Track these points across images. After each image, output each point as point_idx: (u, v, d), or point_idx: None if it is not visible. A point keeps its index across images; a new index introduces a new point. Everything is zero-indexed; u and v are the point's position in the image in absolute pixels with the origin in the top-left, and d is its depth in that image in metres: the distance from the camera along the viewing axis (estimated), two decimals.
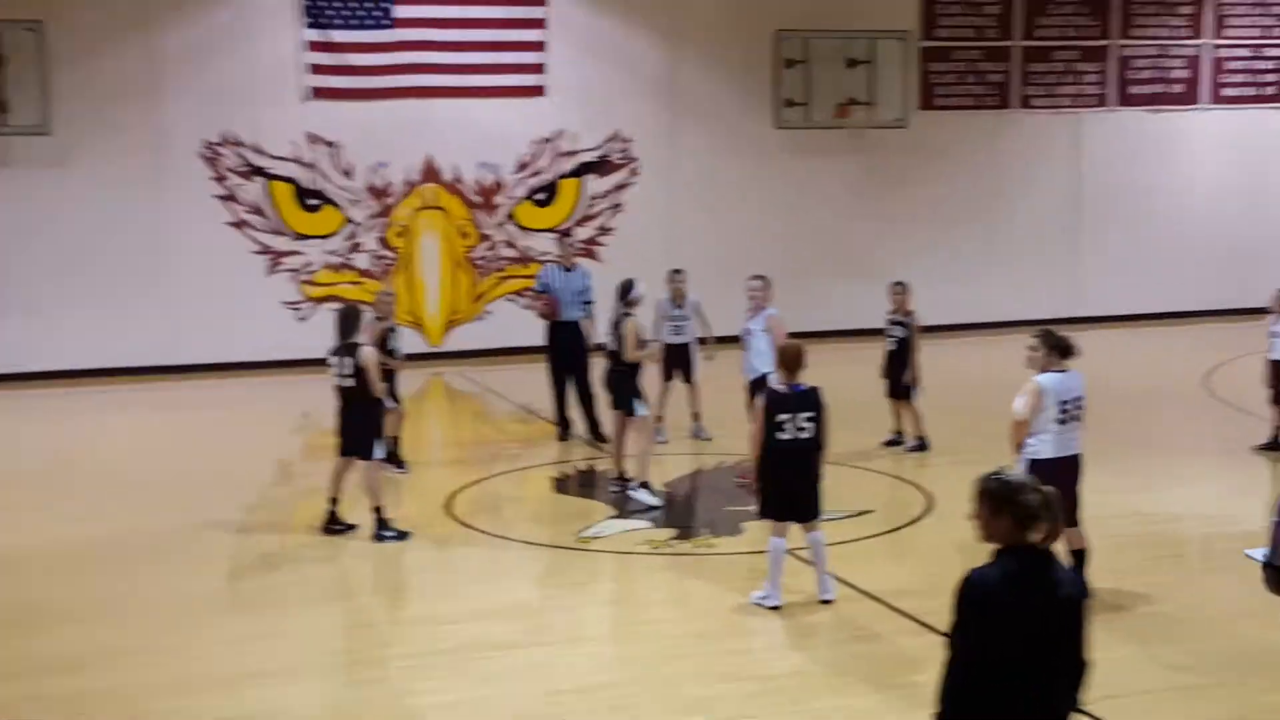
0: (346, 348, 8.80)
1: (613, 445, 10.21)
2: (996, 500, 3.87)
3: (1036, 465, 7.10)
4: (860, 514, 9.39)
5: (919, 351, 11.33)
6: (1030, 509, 3.87)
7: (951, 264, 19.14)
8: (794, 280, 17.30)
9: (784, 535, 7.38)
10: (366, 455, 8.83)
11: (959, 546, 8.50)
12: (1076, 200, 19.72)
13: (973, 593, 3.75)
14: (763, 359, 9.95)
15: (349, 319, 8.89)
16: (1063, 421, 7.15)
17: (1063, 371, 7.19)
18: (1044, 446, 7.11)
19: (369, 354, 8.74)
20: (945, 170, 19.06)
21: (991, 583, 3.78)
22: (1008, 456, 7.31)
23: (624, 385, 9.80)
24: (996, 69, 19.07)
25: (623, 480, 10.10)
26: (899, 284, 11.52)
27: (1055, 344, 7.19)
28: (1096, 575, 7.53)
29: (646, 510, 9.56)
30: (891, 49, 18.33)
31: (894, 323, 11.43)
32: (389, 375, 10.54)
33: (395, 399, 10.78)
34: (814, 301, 18.40)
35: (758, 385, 9.61)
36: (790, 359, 7.31)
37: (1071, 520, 7.30)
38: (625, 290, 9.90)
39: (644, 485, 9.77)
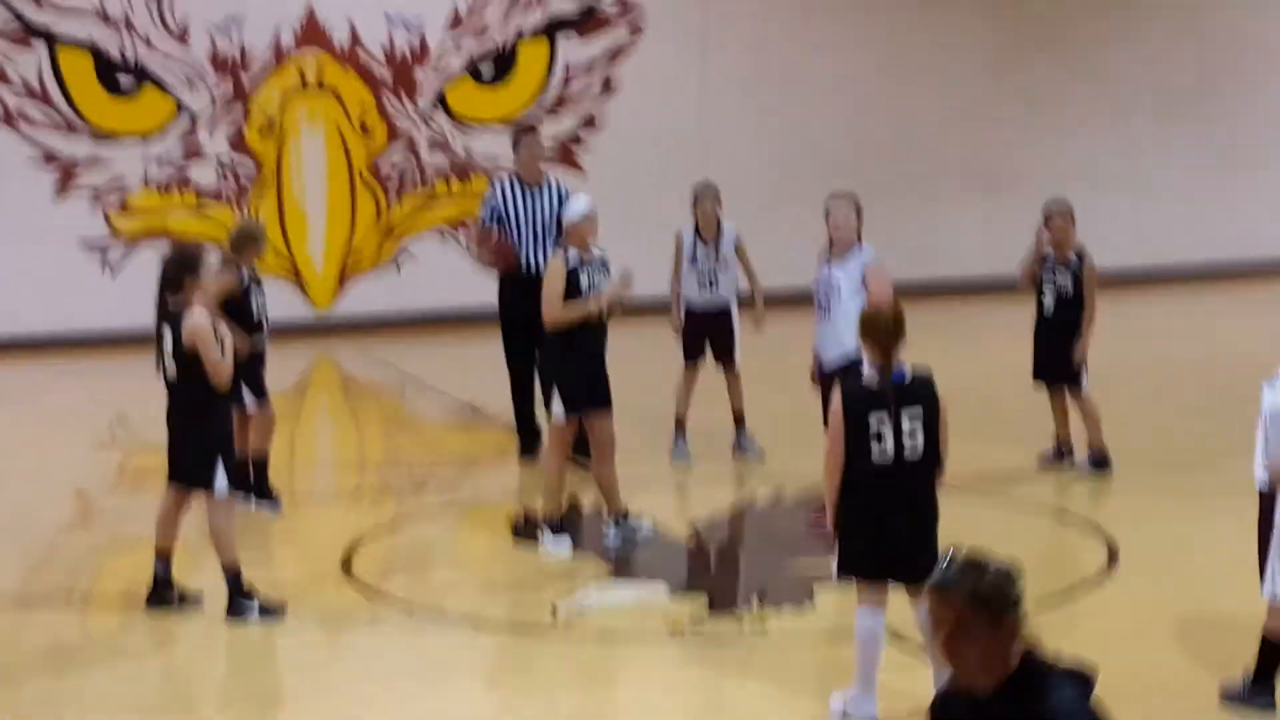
0: (172, 314, 8.82)
1: (594, 467, 10.26)
2: (1003, 605, 4.05)
3: None
4: None
5: (1094, 315, 11.35)
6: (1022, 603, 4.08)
7: (1144, 176, 19.14)
8: (894, 203, 17.34)
9: (881, 607, 7.43)
10: (208, 485, 8.88)
11: (1154, 622, 8.56)
12: None
13: None
14: (852, 330, 9.98)
15: (180, 268, 8.88)
16: None
17: None
18: None
19: (198, 322, 8.72)
20: (1136, 25, 19.04)
21: None
22: (1241, 481, 7.34)
23: (547, 369, 9.96)
24: None
25: (621, 518, 10.16)
26: (1061, 207, 11.53)
27: None
28: None
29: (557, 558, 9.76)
30: None
31: (1055, 267, 11.46)
32: (251, 360, 10.58)
33: (261, 393, 10.84)
34: (926, 237, 18.42)
35: (842, 373, 9.64)
36: (884, 328, 7.34)
37: None
38: (563, 213, 10.08)
39: (548, 522, 9.94)
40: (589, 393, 9.92)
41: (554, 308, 9.80)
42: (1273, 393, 7.21)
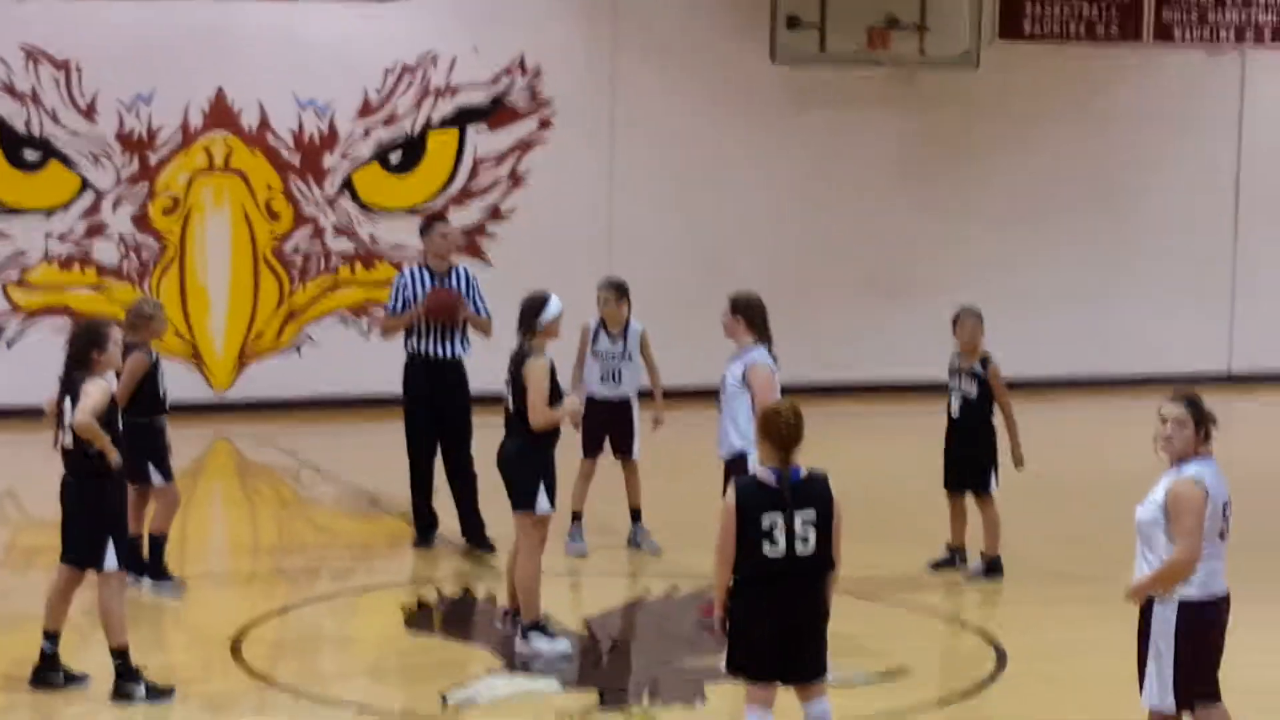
0: (70, 385, 8.80)
1: (509, 560, 10.26)
2: None
3: (1186, 613, 7.24)
4: (891, 674, 9.53)
5: (1012, 415, 11.41)
6: None
7: (1044, 283, 19.44)
8: (799, 303, 17.50)
9: (769, 705, 7.48)
10: (97, 563, 8.84)
11: None
12: (1232, 188, 20.16)
13: None
14: (733, 428, 10.07)
15: (84, 342, 8.88)
16: (1224, 536, 7.33)
17: (1209, 458, 7.37)
18: (1215, 578, 7.26)
19: (94, 393, 8.71)
20: (1036, 135, 19.40)
21: None
22: (1119, 595, 7.45)
23: (525, 464, 9.84)
24: None
25: (517, 614, 10.15)
26: (969, 312, 11.64)
27: (1205, 417, 7.36)
28: None
29: (551, 661, 9.63)
30: None
31: (961, 374, 11.58)
32: (156, 438, 10.58)
33: (166, 473, 10.79)
34: (830, 338, 18.60)
35: (736, 468, 9.72)
36: (780, 429, 7.40)
37: (1213, 691, 7.45)
38: (532, 310, 9.93)
39: (537, 626, 9.83)
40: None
41: (543, 409, 9.68)
42: (1141, 509, 7.36)
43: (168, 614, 10.64)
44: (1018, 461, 11.41)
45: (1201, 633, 7.27)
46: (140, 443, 10.13)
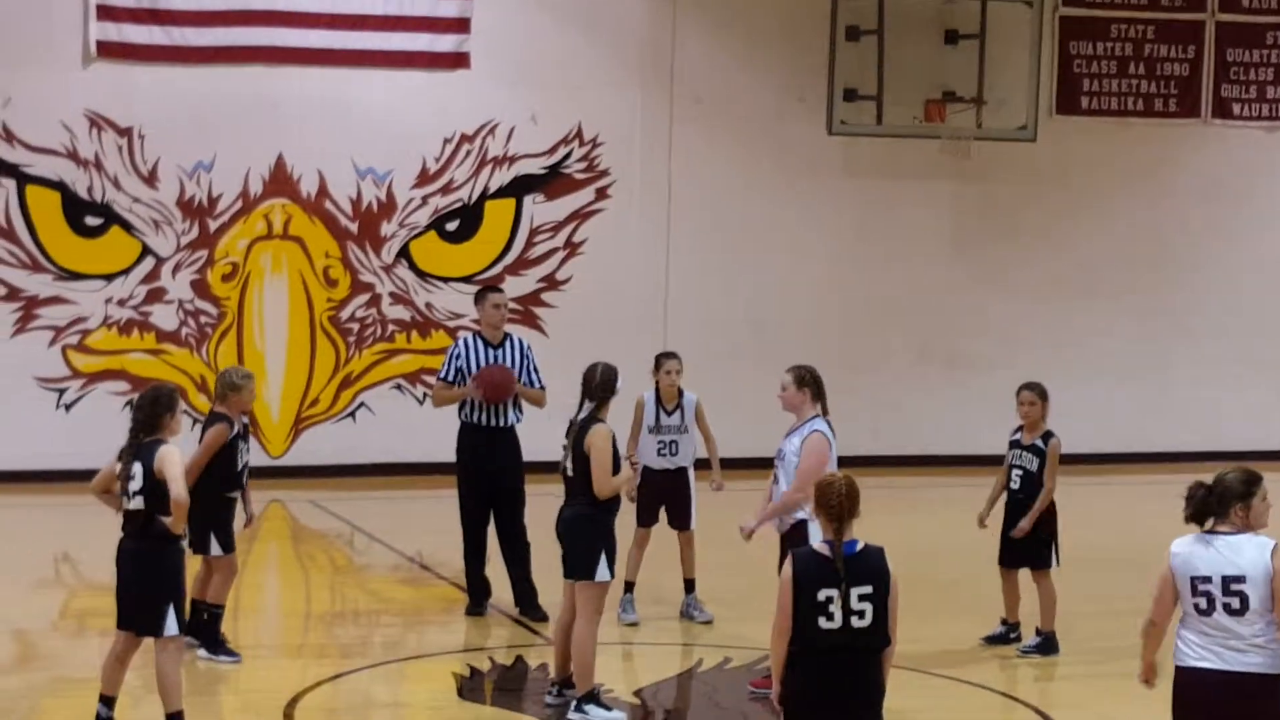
0: (139, 448, 8.81)
1: (556, 629, 10.30)
2: None
3: (1181, 677, 7.30)
4: None
5: (1049, 494, 11.40)
6: None
7: (1100, 357, 19.40)
8: (854, 374, 17.51)
9: None
10: (156, 629, 8.86)
11: None
12: None
13: None
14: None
15: (156, 407, 8.89)
16: (1204, 612, 7.32)
17: (1210, 534, 7.38)
18: (1185, 648, 7.36)
19: (168, 455, 8.73)
20: (1093, 209, 19.41)
21: None
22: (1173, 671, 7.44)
23: (585, 533, 9.88)
24: (1178, 54, 19.54)
25: (565, 686, 10.15)
26: (1031, 388, 11.62)
27: (1203, 492, 7.44)
28: None
29: None
30: (1013, 16, 18.79)
31: (1022, 449, 11.55)
32: (223, 509, 10.64)
33: (228, 544, 10.81)
34: (884, 409, 18.59)
35: (791, 540, 9.72)
36: (836, 500, 7.39)
37: None
38: (603, 382, 9.98)
39: (592, 696, 9.83)
40: None
41: (609, 477, 9.78)
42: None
43: (222, 680, 10.69)
44: (1019, 531, 11.35)
45: (1179, 697, 7.38)
46: (206, 512, 10.18)
